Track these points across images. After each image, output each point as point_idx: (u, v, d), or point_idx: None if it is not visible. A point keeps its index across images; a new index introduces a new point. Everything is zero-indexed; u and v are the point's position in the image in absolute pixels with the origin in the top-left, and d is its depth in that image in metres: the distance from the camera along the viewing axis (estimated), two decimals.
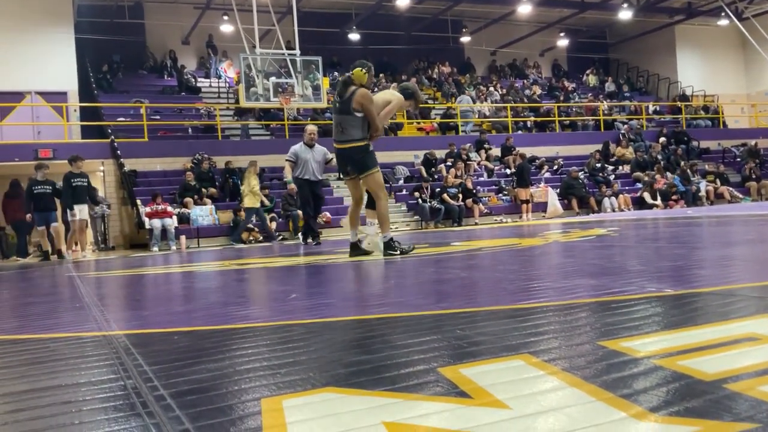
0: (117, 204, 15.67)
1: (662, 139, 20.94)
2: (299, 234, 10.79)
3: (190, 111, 19.25)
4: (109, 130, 16.76)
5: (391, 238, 5.79)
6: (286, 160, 9.74)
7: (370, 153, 5.69)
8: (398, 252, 5.66)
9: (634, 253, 4.83)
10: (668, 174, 18.48)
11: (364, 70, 5.75)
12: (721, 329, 1.79)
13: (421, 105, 6.01)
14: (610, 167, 19.63)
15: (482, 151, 19.10)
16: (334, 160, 9.23)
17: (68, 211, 11.81)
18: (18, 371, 2.01)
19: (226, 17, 20.58)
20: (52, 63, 17.41)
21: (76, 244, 12.11)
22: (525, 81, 25.09)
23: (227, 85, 20.90)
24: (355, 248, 6.02)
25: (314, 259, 6.55)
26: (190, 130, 18.38)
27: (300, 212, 14.34)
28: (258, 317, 2.74)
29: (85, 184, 11.94)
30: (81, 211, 11.83)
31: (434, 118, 21.03)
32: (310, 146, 9.72)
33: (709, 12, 24.06)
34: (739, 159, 21.25)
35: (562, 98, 23.33)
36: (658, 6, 23.75)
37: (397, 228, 15.17)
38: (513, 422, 1.17)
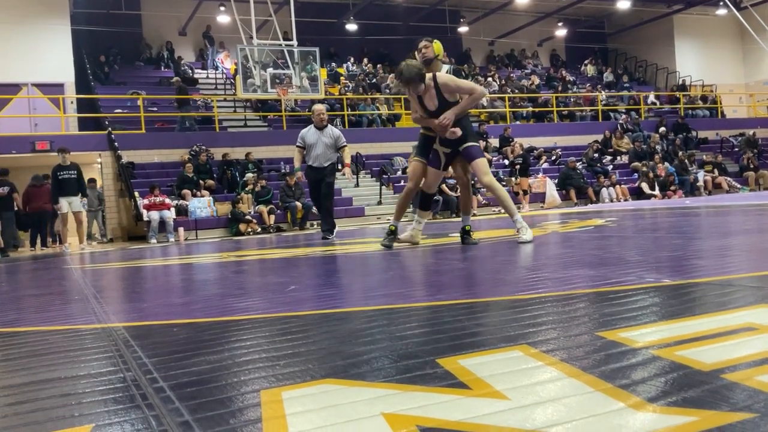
0: (115, 196, 15.65)
1: (662, 129, 20.94)
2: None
3: (187, 102, 19.18)
4: (106, 122, 16.72)
5: (391, 229, 5.77)
6: (296, 146, 8.74)
7: (417, 145, 5.64)
8: (383, 243, 5.68)
9: (632, 244, 4.84)
10: (666, 164, 18.49)
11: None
12: (719, 319, 1.80)
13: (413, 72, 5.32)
14: (608, 157, 19.63)
15: (480, 142, 19.10)
16: (346, 149, 8.75)
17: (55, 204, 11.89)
18: (17, 364, 2.01)
19: (222, 8, 20.49)
20: (49, 55, 17.33)
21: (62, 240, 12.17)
22: (522, 71, 25.07)
23: (224, 76, 20.84)
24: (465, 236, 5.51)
25: (313, 251, 6.55)
26: (187, 122, 18.34)
27: (298, 204, 14.38)
28: (257, 309, 2.74)
29: (74, 176, 11.83)
30: (71, 204, 11.77)
31: None
32: (320, 128, 8.60)
33: (708, 1, 23.99)
34: (737, 149, 21.25)
35: (560, 88, 23.30)
36: None
37: None
38: (512, 413, 1.18)
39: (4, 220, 13.04)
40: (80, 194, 11.98)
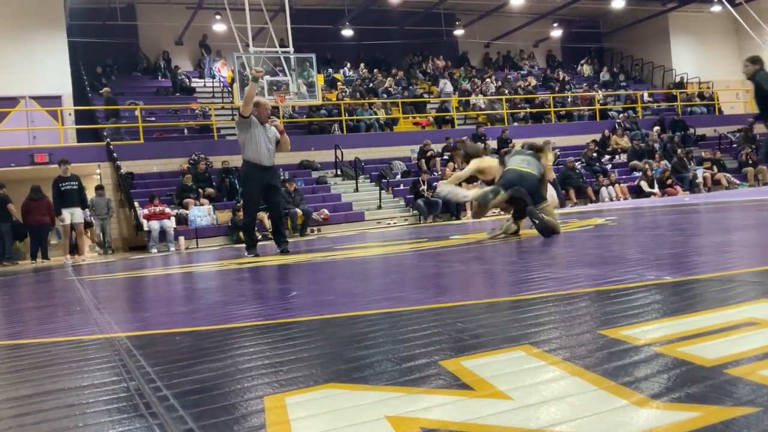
0: (115, 207, 15.66)
1: (656, 128, 20.97)
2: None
3: (185, 111, 19.22)
4: (105, 133, 16.74)
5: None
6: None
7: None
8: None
9: (632, 242, 4.84)
10: (664, 161, 18.49)
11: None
12: (720, 315, 1.80)
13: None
14: (607, 156, 19.63)
15: (479, 144, 19.11)
16: (283, 138, 7.51)
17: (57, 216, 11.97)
18: (21, 375, 2.01)
19: (218, 16, 20.53)
20: (46, 67, 17.35)
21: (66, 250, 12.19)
22: (518, 72, 25.12)
23: (221, 84, 20.88)
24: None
25: (313, 257, 6.55)
26: (185, 131, 18.36)
27: (298, 210, 14.33)
28: (258, 315, 2.74)
29: (75, 187, 11.87)
30: (73, 215, 11.80)
31: (429, 112, 21.05)
32: (262, 124, 7.29)
33: None
34: (735, 145, 21.26)
35: (557, 89, 23.32)
36: None
37: (395, 223, 15.17)
38: (515, 413, 1.18)
39: (2, 231, 13.23)
40: (81, 205, 12.01)
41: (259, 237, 13.72)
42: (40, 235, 13.87)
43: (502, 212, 7.09)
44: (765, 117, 8.34)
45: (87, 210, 13.54)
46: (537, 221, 5.46)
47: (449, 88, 22.19)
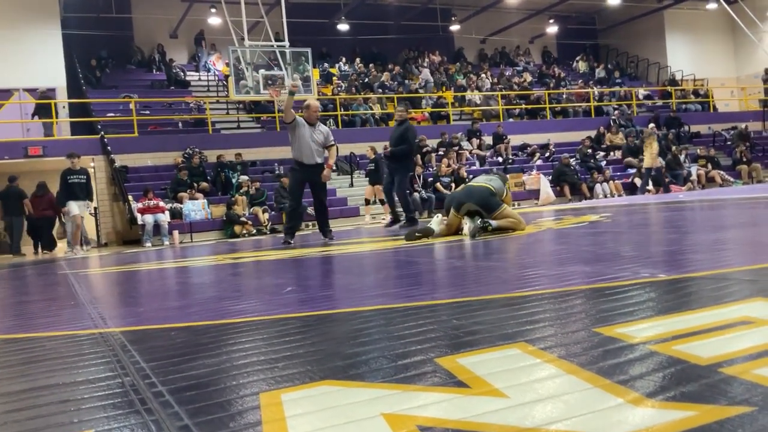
0: (108, 200, 15.60)
1: (651, 125, 21.01)
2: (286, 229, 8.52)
3: (179, 105, 19.15)
4: (99, 126, 16.66)
5: None
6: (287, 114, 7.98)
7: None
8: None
9: (627, 239, 4.85)
10: (659, 158, 18.54)
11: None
12: (715, 313, 1.81)
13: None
14: (602, 153, 19.67)
15: (474, 140, 19.13)
16: (334, 148, 8.30)
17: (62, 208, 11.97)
18: (15, 370, 2.00)
19: (213, 10, 20.45)
20: (40, 59, 17.26)
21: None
22: (513, 68, 25.12)
23: (216, 78, 20.80)
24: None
25: (309, 252, 6.55)
26: (180, 125, 18.29)
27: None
28: (254, 311, 2.74)
29: (83, 180, 11.84)
30: (79, 208, 11.79)
31: (425, 108, 21.03)
32: (312, 125, 8.06)
33: None
34: (729, 142, 21.32)
35: (552, 85, 23.32)
36: None
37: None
38: (511, 411, 1.18)
39: (15, 224, 13.60)
40: (88, 199, 12.03)
41: (253, 231, 13.79)
42: (42, 228, 13.97)
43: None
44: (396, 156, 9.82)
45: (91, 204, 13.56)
46: (483, 227, 5.90)
47: (431, 79, 22.21)
